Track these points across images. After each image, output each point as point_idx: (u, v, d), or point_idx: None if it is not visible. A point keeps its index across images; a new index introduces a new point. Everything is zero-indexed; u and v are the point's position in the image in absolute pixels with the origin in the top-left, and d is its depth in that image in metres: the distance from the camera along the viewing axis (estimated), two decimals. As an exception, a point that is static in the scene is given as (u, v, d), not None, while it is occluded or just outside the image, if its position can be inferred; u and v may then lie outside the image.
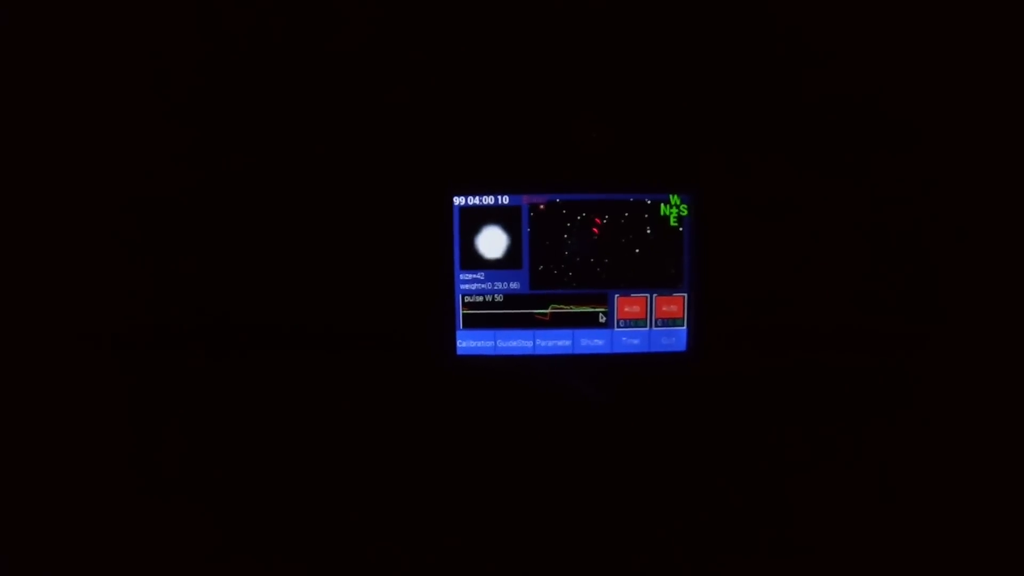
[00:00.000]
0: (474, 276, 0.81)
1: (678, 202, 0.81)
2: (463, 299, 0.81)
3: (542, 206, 0.81)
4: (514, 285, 0.81)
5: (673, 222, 0.81)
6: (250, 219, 0.80)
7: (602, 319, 0.82)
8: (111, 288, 0.79)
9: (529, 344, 0.82)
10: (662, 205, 0.81)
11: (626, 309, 0.82)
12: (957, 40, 0.79)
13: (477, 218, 0.81)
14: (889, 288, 0.83)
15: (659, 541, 0.78)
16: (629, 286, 0.82)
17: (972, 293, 0.82)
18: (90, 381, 0.78)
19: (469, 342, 0.82)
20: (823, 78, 0.81)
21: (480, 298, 0.81)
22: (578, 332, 0.82)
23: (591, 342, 0.82)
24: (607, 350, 0.82)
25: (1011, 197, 0.81)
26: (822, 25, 0.79)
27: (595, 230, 0.81)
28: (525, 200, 0.81)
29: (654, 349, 0.83)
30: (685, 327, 0.82)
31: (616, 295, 0.82)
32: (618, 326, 0.82)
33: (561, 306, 0.82)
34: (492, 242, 0.81)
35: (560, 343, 0.82)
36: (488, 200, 0.80)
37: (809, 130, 0.82)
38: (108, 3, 0.76)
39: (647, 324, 0.82)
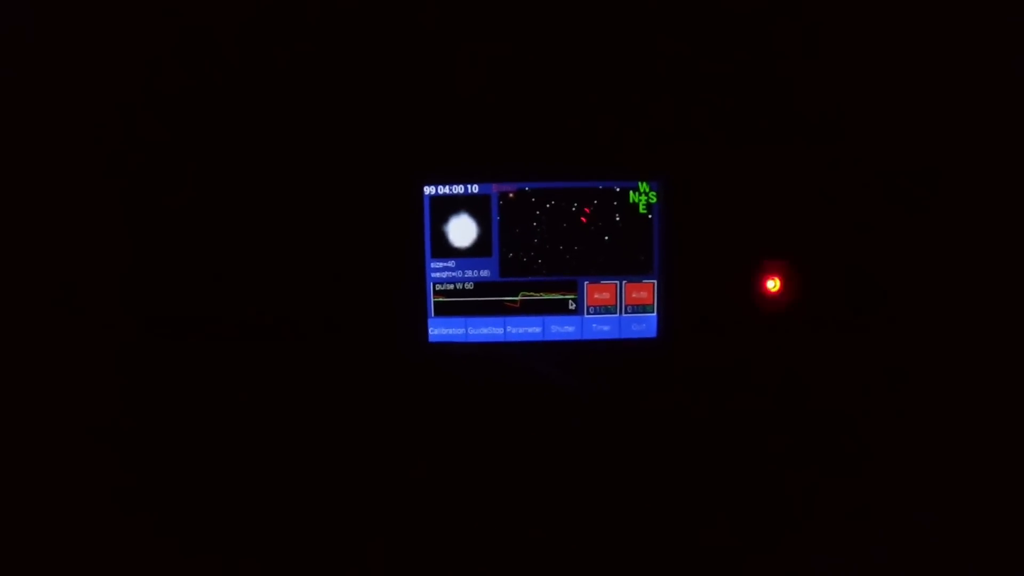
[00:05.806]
0: (445, 264, 0.82)
1: (647, 189, 0.81)
2: (434, 287, 0.82)
3: (511, 194, 0.81)
4: (484, 273, 0.82)
5: (642, 209, 0.82)
6: (222, 210, 0.81)
7: (572, 306, 0.83)
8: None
9: (500, 331, 0.83)
10: (631, 192, 0.81)
11: (596, 296, 0.83)
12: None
13: (447, 207, 0.81)
14: (858, 273, 0.83)
15: (630, 525, 0.79)
16: (599, 273, 0.82)
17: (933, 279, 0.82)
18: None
19: (441, 329, 0.83)
20: (792, 71, 0.81)
21: (451, 286, 0.82)
22: (548, 319, 0.83)
23: (561, 328, 0.83)
24: (577, 336, 0.83)
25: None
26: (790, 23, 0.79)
27: (582, 218, 0.82)
28: (495, 188, 0.81)
29: (624, 335, 0.83)
30: (655, 313, 0.83)
31: (586, 282, 0.82)
32: (588, 312, 0.83)
33: (531, 293, 0.82)
34: (462, 230, 0.81)
35: (530, 330, 0.83)
36: (458, 189, 0.81)
37: (779, 116, 0.82)
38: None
39: (617, 311, 0.83)
